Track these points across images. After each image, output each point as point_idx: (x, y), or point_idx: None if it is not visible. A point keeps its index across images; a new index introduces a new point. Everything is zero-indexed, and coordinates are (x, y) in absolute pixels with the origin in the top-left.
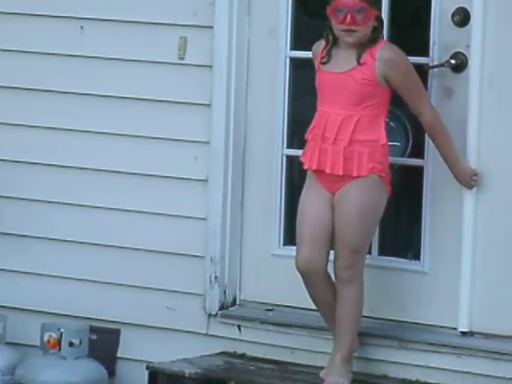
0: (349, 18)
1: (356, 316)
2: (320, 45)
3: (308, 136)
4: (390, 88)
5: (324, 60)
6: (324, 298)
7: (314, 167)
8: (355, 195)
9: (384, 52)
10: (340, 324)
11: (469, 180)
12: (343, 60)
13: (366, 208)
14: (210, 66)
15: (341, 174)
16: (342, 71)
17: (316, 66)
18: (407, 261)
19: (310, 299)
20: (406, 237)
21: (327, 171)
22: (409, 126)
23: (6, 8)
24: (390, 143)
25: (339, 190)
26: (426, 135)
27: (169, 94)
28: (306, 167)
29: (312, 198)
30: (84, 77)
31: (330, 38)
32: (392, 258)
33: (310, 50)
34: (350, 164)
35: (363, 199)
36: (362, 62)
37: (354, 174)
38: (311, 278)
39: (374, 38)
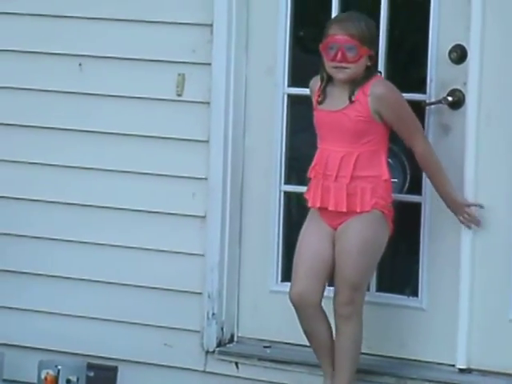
0: (339, 55)
1: (355, 353)
2: (317, 81)
3: (310, 174)
4: (385, 123)
5: (320, 99)
6: (317, 332)
7: (318, 205)
8: (357, 230)
9: (376, 88)
10: (338, 361)
11: (462, 211)
12: (337, 98)
13: (368, 244)
14: (208, 103)
15: (344, 210)
16: (336, 110)
17: (313, 104)
18: (405, 297)
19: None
20: (404, 273)
21: (330, 208)
22: (406, 163)
23: (4, 45)
24: None
25: (341, 224)
26: (423, 172)
27: (167, 130)
28: (309, 205)
29: (312, 232)
30: (83, 113)
31: (324, 76)
32: (390, 295)
33: (307, 87)
34: (354, 200)
35: (365, 234)
36: (354, 99)
37: (358, 210)
38: (304, 311)
39: (366, 76)
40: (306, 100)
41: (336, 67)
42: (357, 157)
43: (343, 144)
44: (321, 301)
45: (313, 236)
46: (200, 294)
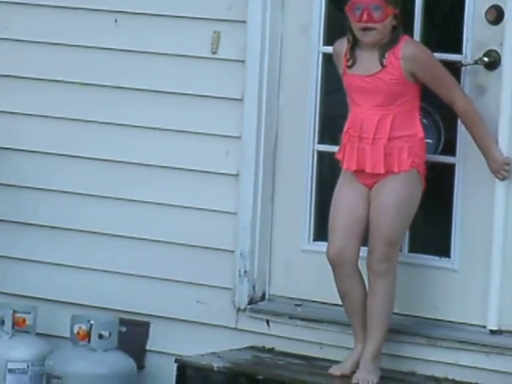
0: (365, 15)
1: (388, 310)
2: (341, 45)
3: (344, 138)
4: (418, 83)
5: (349, 63)
6: (352, 292)
7: (354, 168)
8: (394, 189)
9: (407, 49)
10: (372, 318)
11: (500, 169)
12: (368, 62)
13: (404, 201)
14: (243, 61)
15: (382, 172)
16: (369, 74)
17: (342, 69)
18: (437, 258)
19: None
20: (437, 234)
21: (368, 171)
22: (441, 123)
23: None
24: None
25: (377, 183)
26: (458, 133)
27: (201, 88)
28: (344, 168)
29: (347, 191)
30: (118, 70)
31: (350, 38)
32: (422, 256)
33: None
34: (391, 160)
35: (401, 193)
36: (386, 63)
37: (396, 170)
38: (341, 269)
39: (394, 38)
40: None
41: (363, 29)
42: (392, 118)
43: (378, 107)
44: (357, 259)
45: (347, 195)
46: (232, 251)
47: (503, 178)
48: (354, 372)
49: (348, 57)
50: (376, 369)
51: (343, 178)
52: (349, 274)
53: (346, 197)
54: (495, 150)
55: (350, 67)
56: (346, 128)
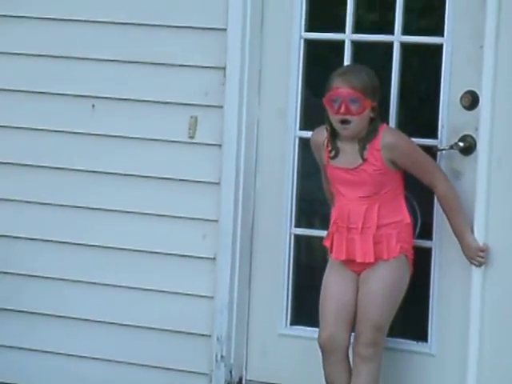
0: (343, 107)
1: None
2: (320, 134)
3: (331, 227)
4: (400, 169)
5: (332, 155)
6: (339, 379)
7: (343, 258)
8: (382, 275)
9: (386, 139)
10: None
11: (474, 255)
12: (350, 154)
13: (392, 288)
14: (220, 145)
15: (372, 261)
16: (353, 167)
17: (324, 159)
18: (414, 342)
19: (317, 379)
20: (414, 318)
21: (358, 261)
22: (417, 207)
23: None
24: None
25: (366, 269)
26: (434, 216)
27: (178, 172)
28: (333, 257)
29: (336, 279)
30: (94, 154)
31: (329, 128)
32: (400, 340)
33: None
34: (380, 248)
35: (390, 279)
36: (367, 155)
37: (385, 258)
38: (332, 355)
39: (372, 129)
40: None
41: (341, 121)
42: (379, 207)
43: (364, 197)
44: (348, 346)
45: (337, 282)
46: (209, 336)
47: (479, 265)
48: None
49: (330, 148)
50: None
51: (332, 265)
52: (339, 361)
53: (336, 284)
54: (469, 237)
55: (332, 158)
56: (333, 218)
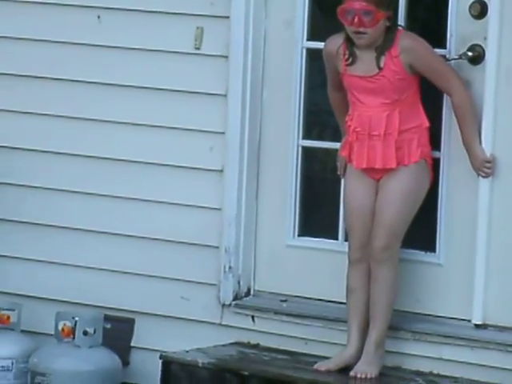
0: (356, 20)
1: (391, 299)
2: (334, 43)
3: (350, 136)
4: (418, 74)
5: (349, 62)
6: (360, 288)
7: (364, 166)
8: (402, 181)
9: (403, 42)
10: (374, 306)
11: (481, 166)
12: (368, 62)
13: (411, 193)
14: (226, 57)
15: (394, 166)
16: (373, 74)
17: (340, 68)
18: (422, 252)
19: (325, 289)
20: (422, 229)
21: (378, 167)
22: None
23: None
24: None
25: (385, 175)
26: (443, 127)
27: (185, 83)
28: (354, 166)
29: (357, 187)
30: (101, 66)
31: (345, 36)
32: (408, 250)
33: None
34: (401, 154)
35: (408, 185)
36: (383, 65)
37: (406, 163)
38: (360, 265)
39: (389, 39)
40: None
41: (355, 32)
42: (400, 112)
43: (385, 104)
44: None
45: (359, 191)
46: (217, 247)
47: (485, 176)
48: (340, 369)
49: (347, 56)
50: (378, 359)
51: (351, 173)
52: (365, 270)
53: (358, 193)
54: (477, 148)
55: (349, 65)
56: (352, 127)
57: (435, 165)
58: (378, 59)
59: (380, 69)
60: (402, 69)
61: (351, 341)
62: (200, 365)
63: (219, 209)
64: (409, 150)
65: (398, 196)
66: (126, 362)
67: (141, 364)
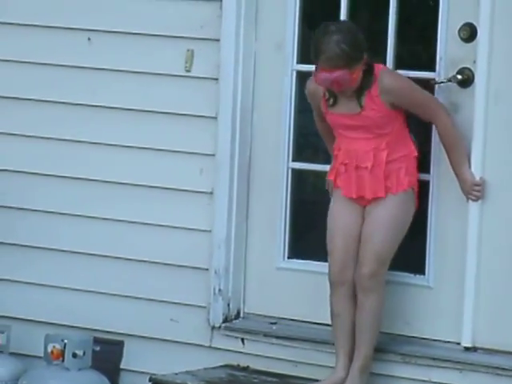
0: (335, 86)
1: (376, 326)
2: (314, 84)
3: (339, 167)
4: (401, 108)
5: (330, 103)
6: (345, 312)
7: (354, 196)
8: (388, 208)
9: (383, 83)
10: (360, 334)
11: (470, 190)
12: (350, 101)
13: (398, 220)
14: (217, 79)
15: (383, 196)
16: (355, 113)
17: (322, 107)
18: (412, 275)
19: (314, 311)
20: (411, 251)
21: (368, 197)
22: (415, 140)
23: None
24: None
25: (373, 202)
26: (432, 150)
27: (175, 106)
28: (343, 194)
29: (342, 211)
30: (91, 88)
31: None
32: (397, 273)
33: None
34: (390, 182)
35: (395, 212)
36: (365, 103)
37: (394, 192)
38: (341, 288)
39: (367, 80)
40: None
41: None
42: (386, 144)
43: (370, 139)
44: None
45: (344, 214)
46: (207, 269)
47: (475, 199)
48: None
49: (327, 97)
50: (363, 383)
51: (337, 198)
52: (347, 294)
53: (343, 217)
54: (466, 172)
55: (331, 107)
56: (339, 159)
57: (425, 187)
58: (358, 99)
59: (361, 107)
60: (383, 107)
61: (339, 365)
62: None
63: (209, 231)
64: (397, 178)
65: (386, 224)
66: None
67: None
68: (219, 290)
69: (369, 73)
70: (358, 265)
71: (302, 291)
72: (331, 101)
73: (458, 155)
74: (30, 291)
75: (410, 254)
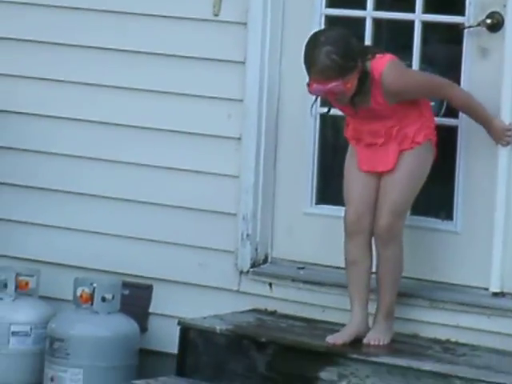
0: (329, 96)
1: (397, 274)
2: None
3: (351, 142)
4: None
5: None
6: (360, 261)
7: (366, 169)
8: (406, 161)
9: (387, 86)
10: (382, 283)
11: (502, 136)
12: (356, 100)
13: (414, 174)
14: (245, 24)
15: (392, 168)
16: (363, 108)
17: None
18: (440, 221)
19: (341, 256)
20: (439, 197)
21: (381, 170)
22: None
23: None
24: None
25: None
26: None
27: (203, 50)
28: (361, 169)
29: (357, 161)
30: (120, 33)
31: None
32: (425, 218)
33: (346, 8)
34: (404, 145)
35: (413, 165)
36: (371, 100)
37: (411, 147)
38: (357, 236)
39: (365, 84)
40: (343, 22)
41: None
42: (398, 120)
43: (381, 123)
44: (372, 229)
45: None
46: (234, 215)
47: (506, 144)
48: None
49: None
50: (388, 328)
51: (352, 151)
52: (362, 243)
53: (358, 166)
54: (495, 121)
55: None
56: (349, 135)
57: (453, 132)
58: (364, 100)
59: (370, 106)
60: (387, 105)
61: (355, 313)
62: (218, 331)
63: (237, 176)
64: (412, 138)
65: (402, 179)
66: (144, 328)
67: (159, 330)
68: (247, 235)
69: (365, 78)
70: (376, 217)
71: (329, 236)
72: (334, 103)
73: (483, 114)
74: (59, 235)
75: (439, 199)
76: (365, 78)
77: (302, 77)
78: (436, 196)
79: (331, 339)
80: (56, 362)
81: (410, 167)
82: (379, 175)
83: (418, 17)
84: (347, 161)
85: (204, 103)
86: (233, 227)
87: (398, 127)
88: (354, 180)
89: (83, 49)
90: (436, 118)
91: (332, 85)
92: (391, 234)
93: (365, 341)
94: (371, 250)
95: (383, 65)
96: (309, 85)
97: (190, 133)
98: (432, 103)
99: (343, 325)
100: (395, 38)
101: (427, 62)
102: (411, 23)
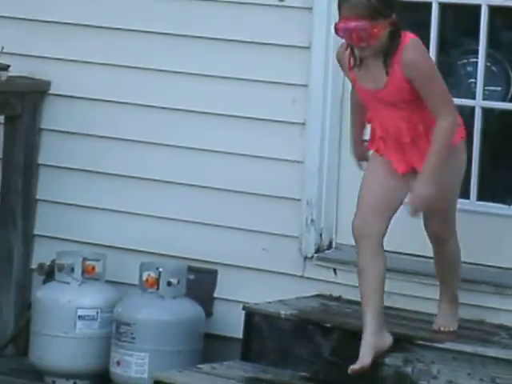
0: (354, 37)
1: (457, 266)
2: (339, 53)
3: (379, 144)
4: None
5: (354, 64)
6: (369, 268)
7: (403, 171)
8: (441, 171)
9: (407, 55)
10: (443, 276)
11: (413, 199)
12: (375, 72)
13: (452, 177)
14: (310, 8)
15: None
16: (379, 89)
17: (349, 77)
18: (506, 206)
19: (404, 245)
20: (505, 182)
21: (419, 169)
22: (510, 70)
23: None
24: (490, 88)
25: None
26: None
27: (268, 36)
28: (398, 171)
29: (378, 167)
30: (181, 19)
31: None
32: (490, 204)
33: None
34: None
35: (449, 170)
36: (391, 74)
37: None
38: (364, 241)
39: (392, 42)
40: (408, 7)
41: (356, 46)
42: (421, 117)
43: (404, 117)
44: (383, 235)
45: (377, 174)
46: (299, 200)
47: (413, 212)
48: (372, 363)
49: (351, 59)
50: (454, 314)
51: (374, 157)
52: (371, 249)
53: (376, 174)
54: (421, 181)
55: (354, 67)
56: (378, 134)
57: None
58: (386, 66)
59: (388, 74)
60: (403, 82)
61: (368, 325)
62: (282, 316)
63: (301, 161)
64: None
65: (442, 184)
66: (209, 313)
67: (223, 315)
68: (311, 220)
69: (395, 36)
70: (424, 222)
71: (392, 221)
72: (355, 62)
73: (432, 162)
74: (125, 220)
75: (505, 185)
76: (396, 34)
77: None
78: (502, 182)
79: (351, 370)
80: (122, 345)
81: (448, 173)
82: (404, 175)
83: (485, 1)
84: (367, 166)
85: (269, 89)
86: (297, 212)
87: (424, 125)
88: (368, 188)
89: (145, 34)
90: (502, 103)
91: (359, 23)
92: (445, 236)
93: (434, 327)
94: (380, 254)
95: (407, 40)
96: (336, 25)
97: (254, 118)
98: (499, 88)
99: (409, 311)
100: (461, 22)
101: (495, 45)
102: (477, 8)
